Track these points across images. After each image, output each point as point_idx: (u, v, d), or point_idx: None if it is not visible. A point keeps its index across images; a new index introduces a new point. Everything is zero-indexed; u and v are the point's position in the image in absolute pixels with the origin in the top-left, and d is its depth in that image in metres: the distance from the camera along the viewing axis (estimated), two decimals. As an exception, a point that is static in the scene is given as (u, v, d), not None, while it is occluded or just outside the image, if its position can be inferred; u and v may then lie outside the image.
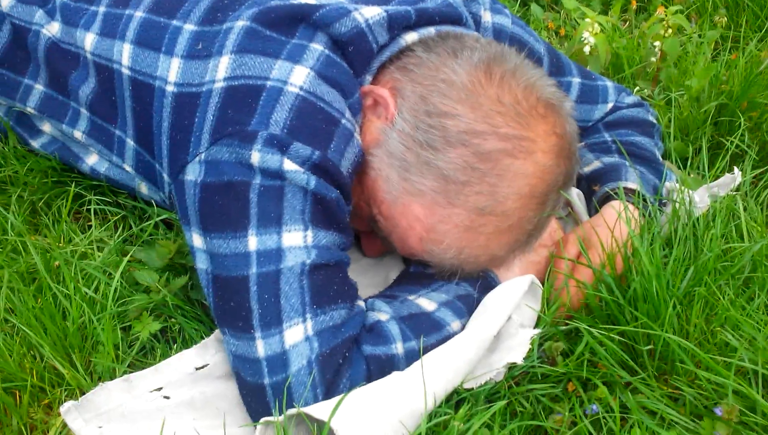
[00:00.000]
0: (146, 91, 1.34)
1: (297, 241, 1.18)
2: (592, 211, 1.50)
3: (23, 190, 1.63)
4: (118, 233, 1.53)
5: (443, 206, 1.24)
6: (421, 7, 1.37)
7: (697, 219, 1.43)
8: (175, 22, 1.36)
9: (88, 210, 1.59)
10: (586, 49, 1.98)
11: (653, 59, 1.96)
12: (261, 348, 1.16)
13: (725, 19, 2.11)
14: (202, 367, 1.27)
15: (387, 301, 1.28)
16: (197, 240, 1.23)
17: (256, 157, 1.17)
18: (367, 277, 1.47)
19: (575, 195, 1.53)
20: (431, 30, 1.36)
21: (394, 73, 1.32)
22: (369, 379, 1.16)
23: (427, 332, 1.22)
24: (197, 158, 1.22)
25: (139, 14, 1.40)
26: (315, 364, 1.14)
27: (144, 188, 1.47)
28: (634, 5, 2.28)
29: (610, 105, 1.67)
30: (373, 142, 1.28)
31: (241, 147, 1.18)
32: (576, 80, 1.64)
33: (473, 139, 1.21)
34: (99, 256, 1.46)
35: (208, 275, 1.22)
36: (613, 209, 1.39)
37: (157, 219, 1.48)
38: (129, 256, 1.41)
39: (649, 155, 1.59)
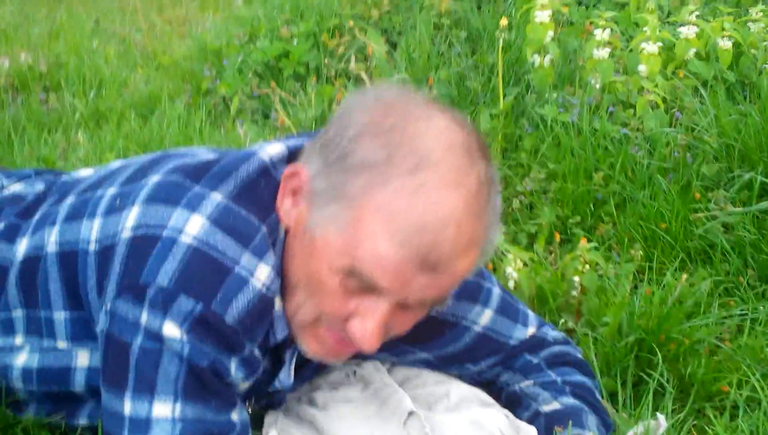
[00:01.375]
0: (72, 258, 1.40)
1: (166, 412, 1.23)
2: None
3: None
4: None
5: (381, 189, 1.23)
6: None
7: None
8: (99, 192, 1.45)
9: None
10: (511, 283, 2.06)
11: (574, 293, 2.04)
12: None
13: (641, 252, 2.22)
14: None
15: None
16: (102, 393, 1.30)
17: (144, 317, 1.24)
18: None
19: (532, 432, 1.54)
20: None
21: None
22: None
23: None
24: (104, 308, 1.29)
25: (69, 200, 1.50)
26: None
27: (84, 359, 1.47)
28: (557, 238, 2.39)
29: (530, 330, 1.71)
30: (305, 214, 1.31)
31: (133, 304, 1.25)
32: (497, 290, 1.67)
33: (372, 127, 1.26)
34: None
35: None
36: None
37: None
38: None
39: (597, 403, 1.62)
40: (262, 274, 1.31)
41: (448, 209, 1.23)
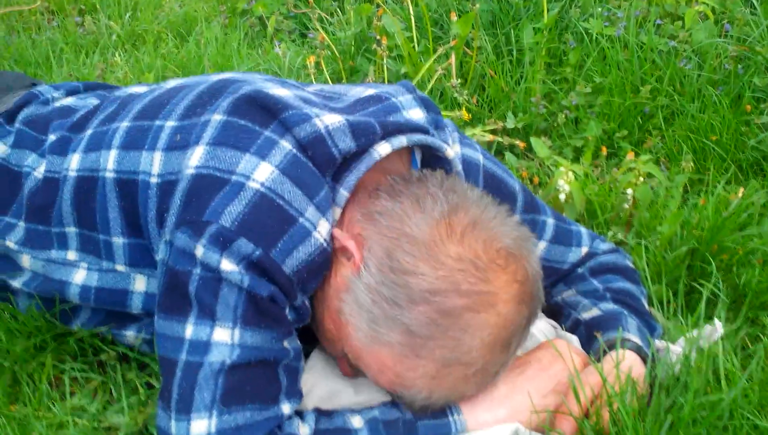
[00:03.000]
0: (132, 187, 1.42)
1: (225, 337, 1.26)
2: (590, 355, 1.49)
3: (4, 359, 1.63)
4: (97, 399, 1.53)
5: (410, 358, 1.26)
6: (383, 120, 1.41)
7: (678, 370, 1.44)
8: (157, 122, 1.45)
9: (71, 377, 1.59)
10: (562, 196, 2.03)
11: (626, 205, 2.01)
12: (174, 428, 1.26)
13: (692, 163, 2.18)
14: None
15: (319, 416, 1.32)
16: (156, 320, 1.32)
17: (199, 251, 1.25)
18: None
19: (575, 341, 1.54)
20: (402, 139, 1.39)
21: (359, 218, 1.35)
22: None
23: None
24: (164, 239, 1.31)
25: (125, 124, 1.49)
26: None
27: (141, 284, 1.49)
28: (604, 152, 2.35)
29: (584, 249, 1.70)
30: (343, 286, 1.32)
31: (191, 237, 1.26)
32: (551, 220, 1.67)
33: (435, 298, 1.24)
34: (78, 423, 1.46)
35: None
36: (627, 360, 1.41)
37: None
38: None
39: (640, 307, 1.61)
40: (324, 229, 1.32)
41: (457, 389, 1.30)
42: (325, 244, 1.32)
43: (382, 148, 1.38)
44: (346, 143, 1.35)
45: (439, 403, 1.32)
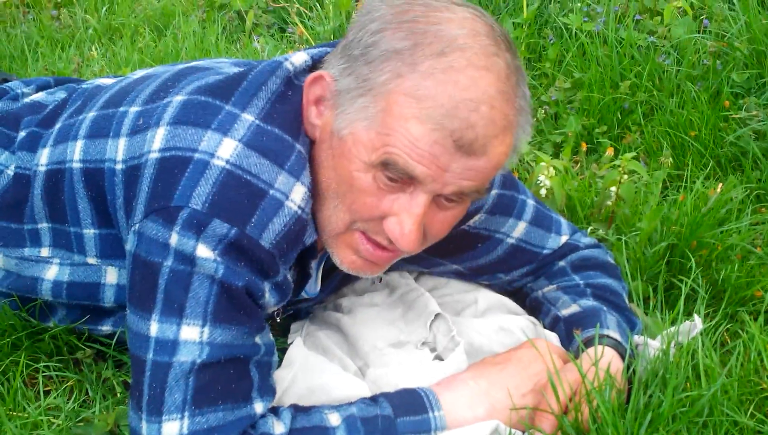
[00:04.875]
0: (98, 176, 1.39)
1: (193, 335, 1.23)
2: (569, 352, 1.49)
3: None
4: (73, 398, 1.51)
5: (410, 72, 1.20)
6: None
7: (657, 363, 1.44)
8: (121, 109, 1.42)
9: (46, 375, 1.57)
10: (542, 192, 2.03)
11: (609, 203, 2.01)
12: (144, 429, 1.23)
13: (671, 159, 2.18)
14: None
15: (296, 413, 1.30)
16: (127, 313, 1.30)
17: (174, 239, 1.22)
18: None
19: (554, 338, 1.54)
20: None
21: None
22: None
23: None
24: (132, 228, 1.27)
25: (91, 114, 1.47)
26: None
27: (113, 276, 1.47)
28: (584, 147, 2.35)
29: (563, 238, 1.70)
30: (331, 120, 1.28)
31: (164, 226, 1.23)
32: (531, 202, 1.65)
33: (394, 18, 1.23)
34: (53, 423, 1.44)
35: None
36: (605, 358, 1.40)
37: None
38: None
39: (621, 302, 1.61)
40: (297, 196, 1.28)
41: (479, 89, 1.19)
42: (299, 212, 1.28)
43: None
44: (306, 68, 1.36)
45: (487, 135, 1.20)
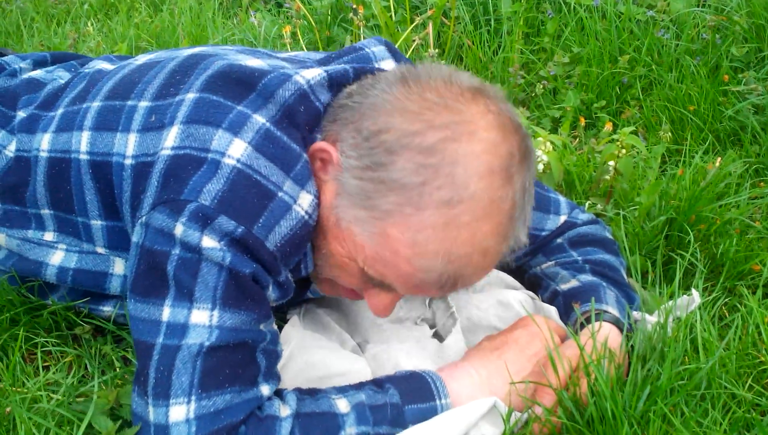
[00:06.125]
0: (106, 169, 1.39)
1: (203, 319, 1.23)
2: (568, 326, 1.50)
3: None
4: (72, 374, 1.51)
5: (413, 214, 1.22)
6: (359, 66, 1.40)
7: (655, 337, 1.44)
8: (130, 102, 1.41)
9: (45, 351, 1.57)
10: (540, 167, 2.02)
11: (607, 177, 2.01)
12: (151, 414, 1.23)
13: (670, 133, 2.18)
14: None
15: (302, 396, 1.30)
16: (129, 303, 1.29)
17: (179, 229, 1.22)
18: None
19: (553, 312, 1.54)
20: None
21: (331, 128, 1.34)
22: None
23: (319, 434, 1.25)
24: (140, 221, 1.27)
25: (96, 104, 1.46)
26: None
27: (120, 267, 1.48)
28: (582, 122, 2.35)
29: (562, 218, 1.69)
30: (332, 195, 1.30)
31: (169, 216, 1.23)
32: None
33: (413, 140, 1.21)
34: (52, 398, 1.44)
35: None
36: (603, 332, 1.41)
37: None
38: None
39: (619, 278, 1.61)
40: (305, 202, 1.29)
41: (476, 241, 1.24)
42: (306, 217, 1.29)
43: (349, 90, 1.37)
44: (325, 95, 1.35)
45: (468, 273, 1.27)
